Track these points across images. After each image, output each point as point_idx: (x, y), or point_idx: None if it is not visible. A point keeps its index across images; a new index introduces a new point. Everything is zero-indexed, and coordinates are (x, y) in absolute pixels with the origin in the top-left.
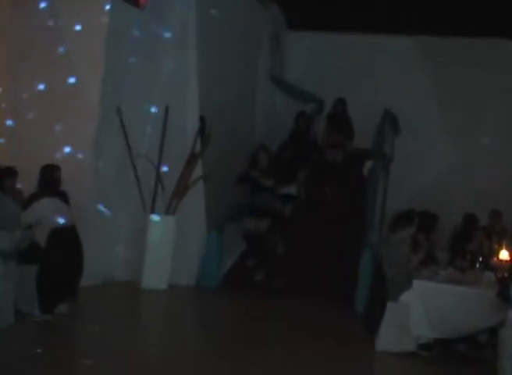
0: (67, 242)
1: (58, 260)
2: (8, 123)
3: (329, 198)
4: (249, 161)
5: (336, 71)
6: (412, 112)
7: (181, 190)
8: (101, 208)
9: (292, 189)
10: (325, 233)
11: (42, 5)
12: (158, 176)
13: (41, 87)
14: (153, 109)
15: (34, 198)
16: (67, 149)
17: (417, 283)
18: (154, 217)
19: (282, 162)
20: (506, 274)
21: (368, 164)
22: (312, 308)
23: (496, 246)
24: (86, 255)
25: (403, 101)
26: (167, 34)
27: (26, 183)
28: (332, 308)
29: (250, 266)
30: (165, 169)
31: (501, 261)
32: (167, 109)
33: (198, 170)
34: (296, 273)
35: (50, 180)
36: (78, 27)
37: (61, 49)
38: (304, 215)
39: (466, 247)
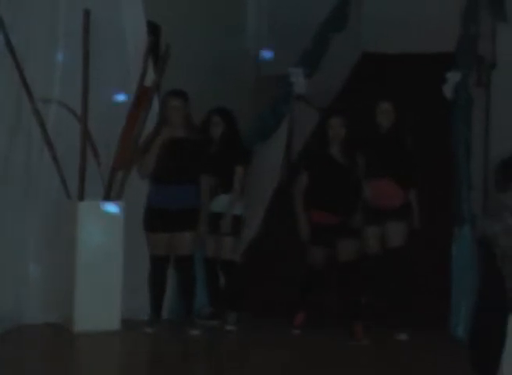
0: None
1: None
2: None
3: None
4: None
5: None
6: None
7: (128, 153)
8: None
9: None
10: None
11: None
12: (85, 133)
13: None
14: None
15: None
16: None
17: None
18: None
19: None
20: None
21: (453, 77)
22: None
23: None
24: None
25: None
26: None
27: None
28: (412, 335)
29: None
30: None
31: None
32: (87, 14)
33: (154, 116)
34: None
35: None
36: None
37: None
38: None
39: None
